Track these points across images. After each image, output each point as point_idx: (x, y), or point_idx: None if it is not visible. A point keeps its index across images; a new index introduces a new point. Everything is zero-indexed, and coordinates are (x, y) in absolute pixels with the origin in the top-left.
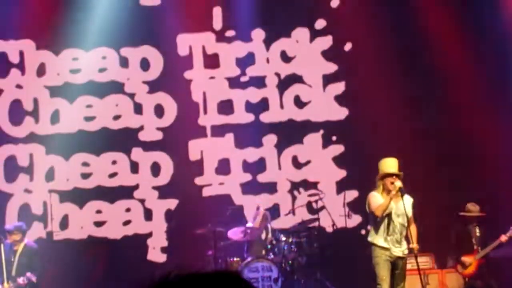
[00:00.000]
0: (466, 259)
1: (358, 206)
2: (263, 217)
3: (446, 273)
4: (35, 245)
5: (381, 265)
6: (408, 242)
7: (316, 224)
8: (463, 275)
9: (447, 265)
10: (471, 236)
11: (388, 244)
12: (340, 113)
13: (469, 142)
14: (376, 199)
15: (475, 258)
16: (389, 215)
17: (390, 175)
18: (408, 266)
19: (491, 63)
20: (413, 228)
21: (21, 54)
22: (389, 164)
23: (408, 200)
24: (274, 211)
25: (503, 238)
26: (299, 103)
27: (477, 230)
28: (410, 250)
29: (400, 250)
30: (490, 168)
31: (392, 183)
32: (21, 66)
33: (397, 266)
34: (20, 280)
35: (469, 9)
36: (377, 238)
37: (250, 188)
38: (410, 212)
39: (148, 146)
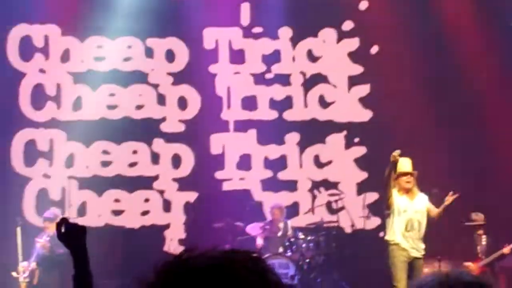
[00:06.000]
0: (468, 264)
1: (378, 208)
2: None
3: None
4: None
5: (398, 266)
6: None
7: (335, 224)
8: None
9: None
10: (476, 244)
11: (408, 241)
12: (364, 115)
13: (495, 151)
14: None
15: (477, 266)
16: (406, 212)
17: (405, 174)
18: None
19: None
20: (439, 211)
21: (46, 38)
22: (403, 164)
23: (422, 197)
24: (293, 209)
25: (506, 249)
26: (323, 103)
27: (483, 239)
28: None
29: (417, 251)
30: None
31: (408, 182)
32: (45, 51)
33: (414, 267)
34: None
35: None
36: (395, 236)
37: (270, 185)
38: (425, 206)
39: (170, 138)
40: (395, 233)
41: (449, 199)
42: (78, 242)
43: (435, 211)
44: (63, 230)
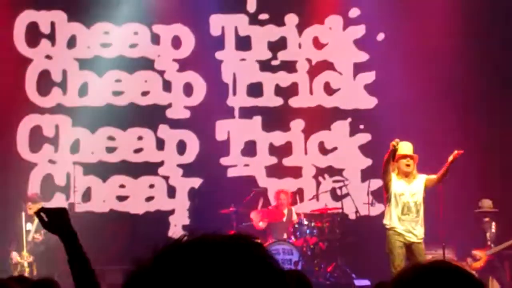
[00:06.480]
0: (476, 252)
1: (382, 195)
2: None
3: (466, 265)
4: None
5: (395, 253)
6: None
7: (339, 210)
8: (471, 268)
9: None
10: (485, 231)
11: (404, 224)
12: (369, 102)
13: (502, 137)
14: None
15: (486, 254)
16: (403, 195)
17: (404, 156)
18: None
19: None
20: (443, 170)
21: (52, 25)
22: (404, 147)
23: (421, 178)
24: (298, 195)
25: None
26: (329, 90)
27: (493, 226)
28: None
29: (414, 234)
30: None
31: (407, 165)
32: (51, 37)
33: (413, 252)
34: (37, 235)
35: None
36: (392, 219)
37: (275, 171)
38: (424, 184)
39: (175, 124)
40: (391, 217)
41: (452, 156)
42: (63, 225)
43: (437, 175)
44: (45, 219)
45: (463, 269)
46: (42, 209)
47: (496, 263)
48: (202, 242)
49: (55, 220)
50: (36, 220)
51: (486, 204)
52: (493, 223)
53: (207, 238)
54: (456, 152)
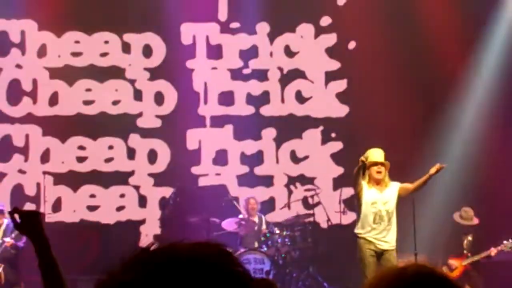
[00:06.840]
0: (452, 262)
1: (354, 203)
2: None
3: None
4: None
5: (365, 261)
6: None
7: (311, 219)
8: None
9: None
10: (462, 240)
11: (375, 233)
12: (341, 110)
13: (472, 147)
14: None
15: (461, 263)
16: (375, 204)
17: (375, 164)
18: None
19: (495, 66)
20: (422, 180)
21: (23, 34)
22: (375, 154)
23: (393, 186)
24: (269, 204)
25: (493, 252)
26: (300, 98)
27: (470, 235)
28: None
29: (386, 242)
30: (492, 175)
31: (378, 172)
32: (21, 46)
33: (384, 260)
34: (7, 238)
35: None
36: (363, 228)
37: (247, 180)
38: (397, 193)
39: (146, 133)
40: (363, 225)
41: (435, 169)
42: (35, 228)
43: (413, 185)
44: (18, 220)
45: (441, 273)
46: (16, 210)
47: (472, 273)
48: (170, 250)
49: (28, 222)
50: (3, 226)
51: (467, 214)
52: (470, 232)
53: (175, 246)
54: (438, 165)
